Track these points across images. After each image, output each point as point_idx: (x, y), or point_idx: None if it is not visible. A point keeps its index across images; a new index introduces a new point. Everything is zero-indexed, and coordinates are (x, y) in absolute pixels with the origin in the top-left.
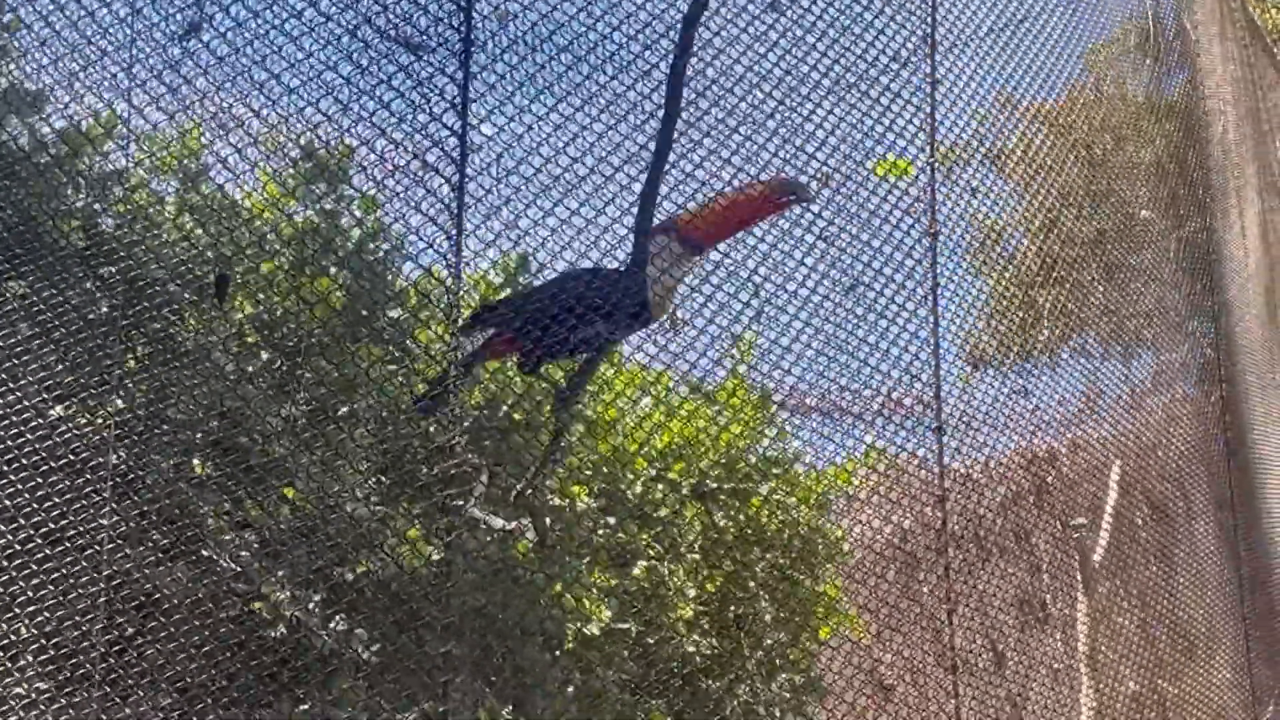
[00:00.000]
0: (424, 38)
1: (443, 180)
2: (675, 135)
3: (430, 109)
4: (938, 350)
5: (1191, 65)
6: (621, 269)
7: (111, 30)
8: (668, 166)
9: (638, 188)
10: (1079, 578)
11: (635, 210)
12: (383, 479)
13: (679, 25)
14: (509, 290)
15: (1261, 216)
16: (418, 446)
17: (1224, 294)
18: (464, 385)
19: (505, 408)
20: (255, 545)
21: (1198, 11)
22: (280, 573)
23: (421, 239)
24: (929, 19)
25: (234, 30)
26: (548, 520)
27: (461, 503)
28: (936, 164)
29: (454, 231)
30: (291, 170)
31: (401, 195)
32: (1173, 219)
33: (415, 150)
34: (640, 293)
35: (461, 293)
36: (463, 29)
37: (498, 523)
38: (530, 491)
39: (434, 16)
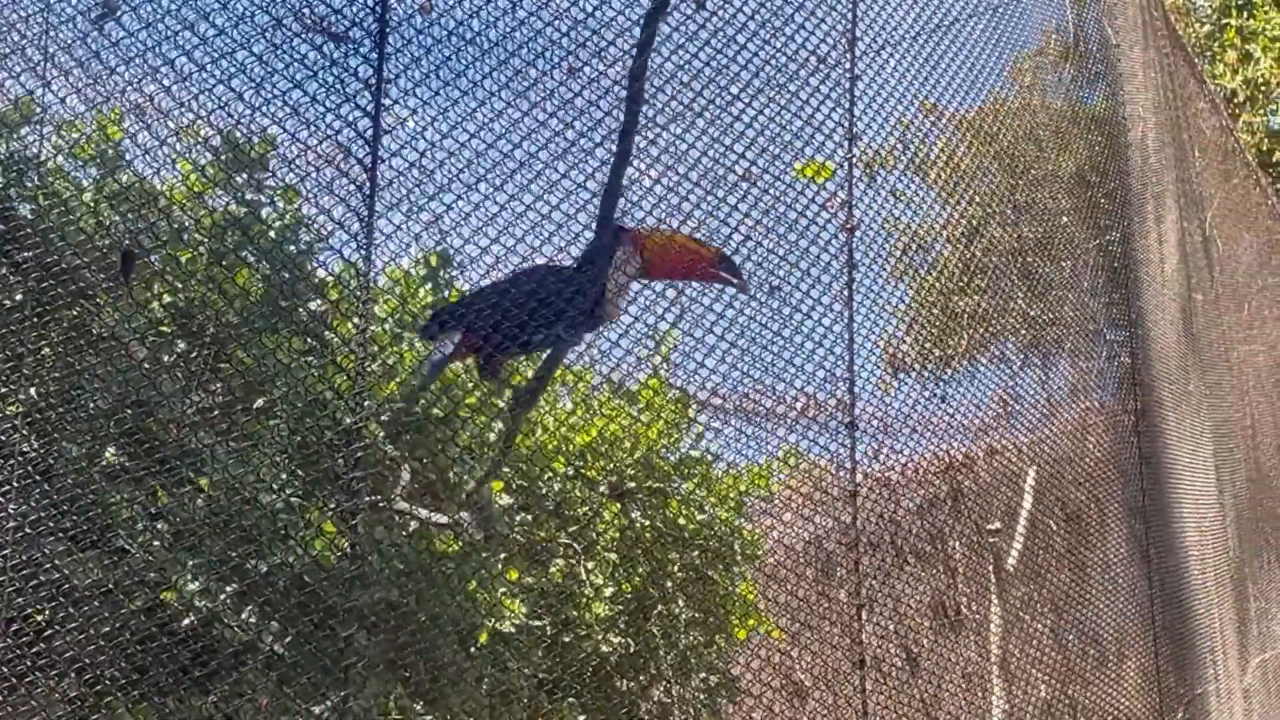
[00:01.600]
0: (339, 21)
1: (357, 170)
2: (608, 131)
3: (344, 96)
4: (852, 345)
5: (1111, 70)
6: (575, 267)
7: (31, 15)
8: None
9: (566, 183)
10: (993, 583)
11: (566, 203)
12: (298, 471)
13: (627, 18)
14: (430, 286)
15: (1179, 225)
16: (333, 439)
17: (1140, 302)
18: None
19: (421, 402)
20: (168, 536)
21: (1119, 18)
22: (192, 564)
23: (342, 227)
24: (850, 18)
25: (151, 14)
26: (478, 517)
27: (377, 497)
28: (858, 167)
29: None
30: (212, 160)
31: (319, 186)
32: (1093, 228)
33: (332, 139)
34: (597, 292)
35: (375, 283)
36: (379, 10)
37: (438, 517)
38: (476, 489)
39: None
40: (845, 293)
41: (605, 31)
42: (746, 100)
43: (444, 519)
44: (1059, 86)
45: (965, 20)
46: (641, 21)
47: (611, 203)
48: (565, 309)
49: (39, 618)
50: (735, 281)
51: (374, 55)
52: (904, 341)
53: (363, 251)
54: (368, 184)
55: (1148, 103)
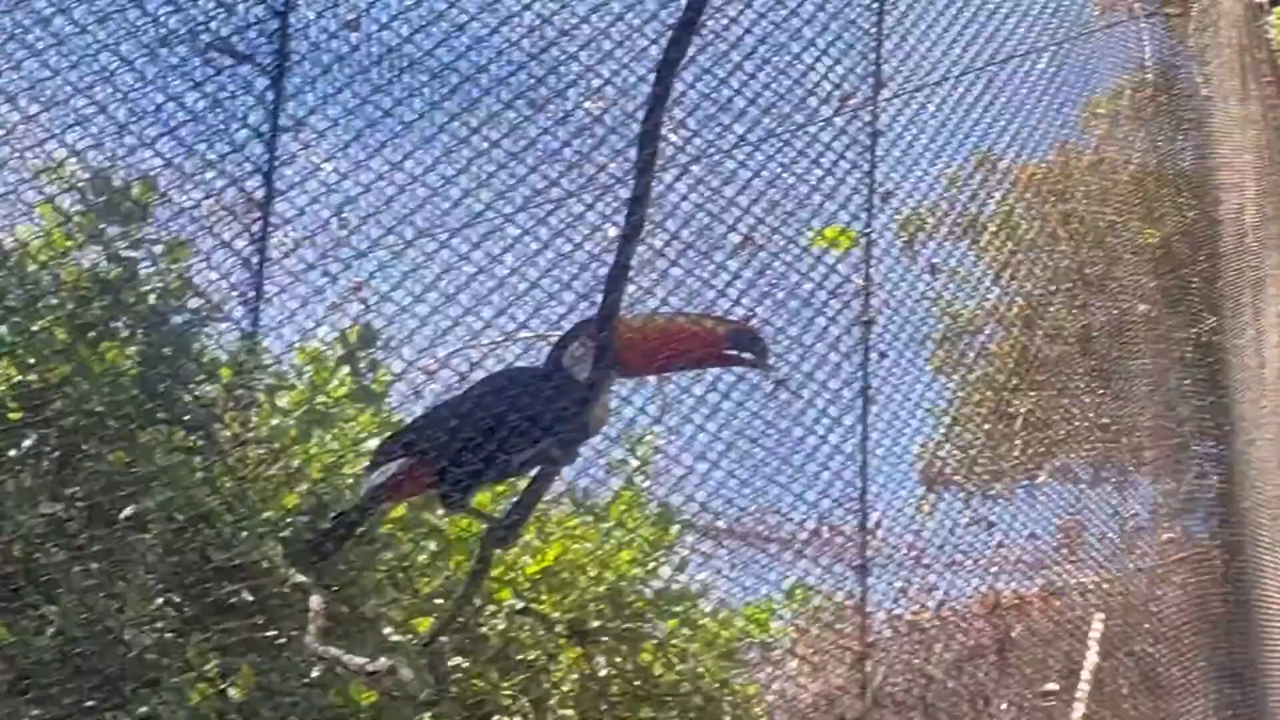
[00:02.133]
0: (236, 46)
1: (248, 221)
2: (567, 172)
3: (249, 134)
4: (865, 469)
5: (1202, 126)
6: (548, 371)
7: None
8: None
9: (522, 247)
10: None
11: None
12: (174, 599)
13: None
14: (349, 368)
15: None
16: (224, 560)
17: (1234, 411)
18: (369, 528)
19: (334, 517)
20: (6, 679)
21: (1211, 61)
22: (36, 712)
23: (237, 292)
24: (874, 52)
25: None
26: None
27: (275, 632)
28: (892, 230)
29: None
30: (80, 207)
31: (211, 243)
32: (1183, 315)
33: (229, 186)
34: (580, 404)
35: (281, 365)
36: (278, 40)
37: (356, 661)
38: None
39: (246, 22)
40: (859, 401)
41: (571, 63)
42: (753, 145)
43: (371, 665)
44: (1142, 139)
45: (1022, 57)
46: (656, 72)
47: (618, 287)
48: (546, 421)
49: None
50: (756, 362)
51: (272, 91)
52: (944, 449)
53: (264, 324)
54: (270, 242)
55: (1248, 167)
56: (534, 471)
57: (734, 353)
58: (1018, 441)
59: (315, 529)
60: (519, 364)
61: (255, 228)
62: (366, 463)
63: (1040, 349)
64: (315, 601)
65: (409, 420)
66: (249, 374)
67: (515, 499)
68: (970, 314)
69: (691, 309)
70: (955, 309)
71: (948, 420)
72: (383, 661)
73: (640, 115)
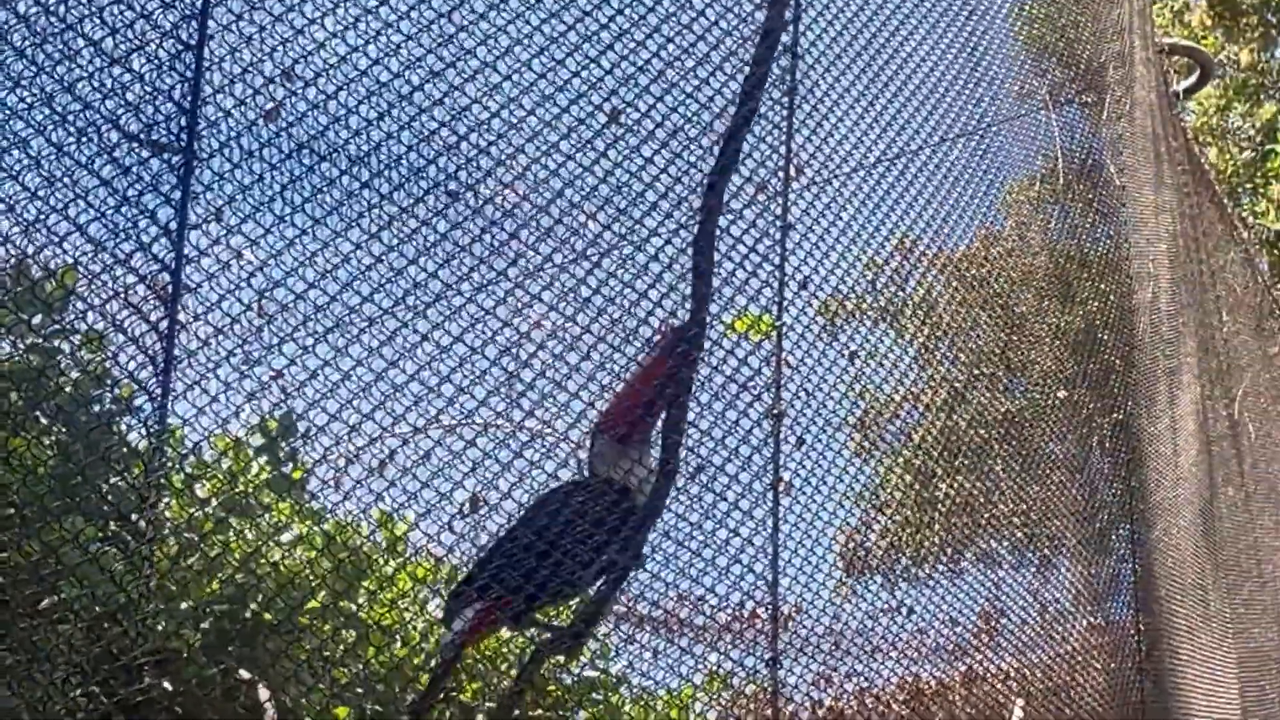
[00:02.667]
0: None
1: (157, 318)
2: (478, 265)
3: (156, 227)
4: (776, 560)
5: (1117, 215)
6: (587, 481)
7: None
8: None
9: (423, 325)
10: None
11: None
12: (95, 694)
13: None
14: (269, 456)
15: (1199, 406)
16: (141, 651)
17: (1149, 500)
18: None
19: (253, 607)
20: None
21: (1125, 151)
22: None
23: (142, 388)
24: (785, 145)
25: None
26: None
27: None
28: (811, 320)
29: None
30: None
31: (124, 335)
32: (1103, 400)
33: (137, 279)
34: (629, 506)
35: (199, 454)
36: (184, 133)
37: None
38: None
39: (153, 120)
40: (770, 495)
41: (493, 149)
42: (665, 236)
43: None
44: (1060, 225)
45: (936, 145)
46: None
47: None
48: (603, 530)
49: None
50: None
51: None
52: (867, 535)
53: (181, 415)
54: (177, 330)
55: (1162, 255)
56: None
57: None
58: (939, 526)
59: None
60: (438, 453)
61: (164, 323)
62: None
63: (962, 433)
64: (263, 693)
65: (475, 563)
66: (164, 466)
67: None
68: (891, 398)
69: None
70: (875, 393)
71: (868, 506)
72: None
73: (553, 209)
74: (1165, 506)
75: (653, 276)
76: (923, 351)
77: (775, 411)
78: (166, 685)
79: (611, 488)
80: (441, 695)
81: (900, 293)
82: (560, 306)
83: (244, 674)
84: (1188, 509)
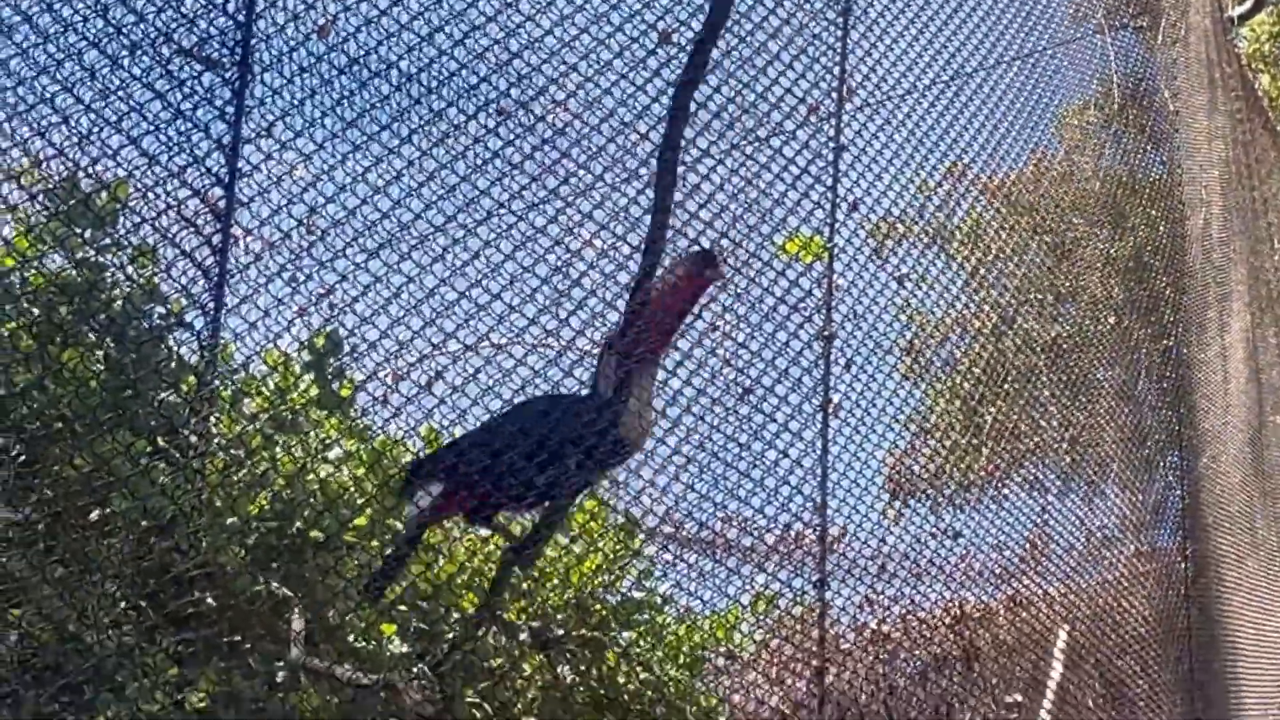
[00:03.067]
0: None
1: (210, 231)
2: (529, 185)
3: (211, 142)
4: (824, 482)
5: (1167, 142)
6: (583, 393)
7: None
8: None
9: (474, 244)
10: None
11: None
12: (138, 604)
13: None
14: (316, 373)
15: (1248, 334)
16: (187, 566)
17: (1198, 427)
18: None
19: (298, 524)
20: None
21: (1180, 76)
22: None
23: (196, 303)
24: (839, 66)
25: None
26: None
27: (238, 639)
28: (861, 244)
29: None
30: (49, 212)
31: (175, 251)
32: (1152, 328)
33: (191, 193)
34: (614, 421)
35: (248, 371)
36: (239, 48)
37: (343, 672)
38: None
39: (208, 33)
40: (819, 417)
41: (545, 68)
42: (717, 157)
43: (364, 679)
44: (1112, 151)
45: (990, 69)
46: (674, 90)
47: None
48: (577, 443)
49: None
50: (714, 273)
51: (235, 101)
52: (914, 459)
53: (230, 331)
54: (232, 246)
55: (1214, 181)
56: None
57: (705, 276)
58: (986, 452)
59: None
60: (487, 371)
61: (216, 238)
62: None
63: (1010, 359)
64: (297, 623)
65: (445, 442)
66: (214, 381)
67: (537, 520)
68: (939, 323)
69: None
70: (923, 318)
71: (915, 430)
72: (385, 674)
73: (605, 128)
74: (1213, 434)
75: (704, 196)
76: (972, 277)
77: (825, 334)
78: (212, 600)
79: (605, 407)
80: (399, 571)
81: (950, 218)
82: (612, 226)
83: (265, 585)
84: (1236, 436)
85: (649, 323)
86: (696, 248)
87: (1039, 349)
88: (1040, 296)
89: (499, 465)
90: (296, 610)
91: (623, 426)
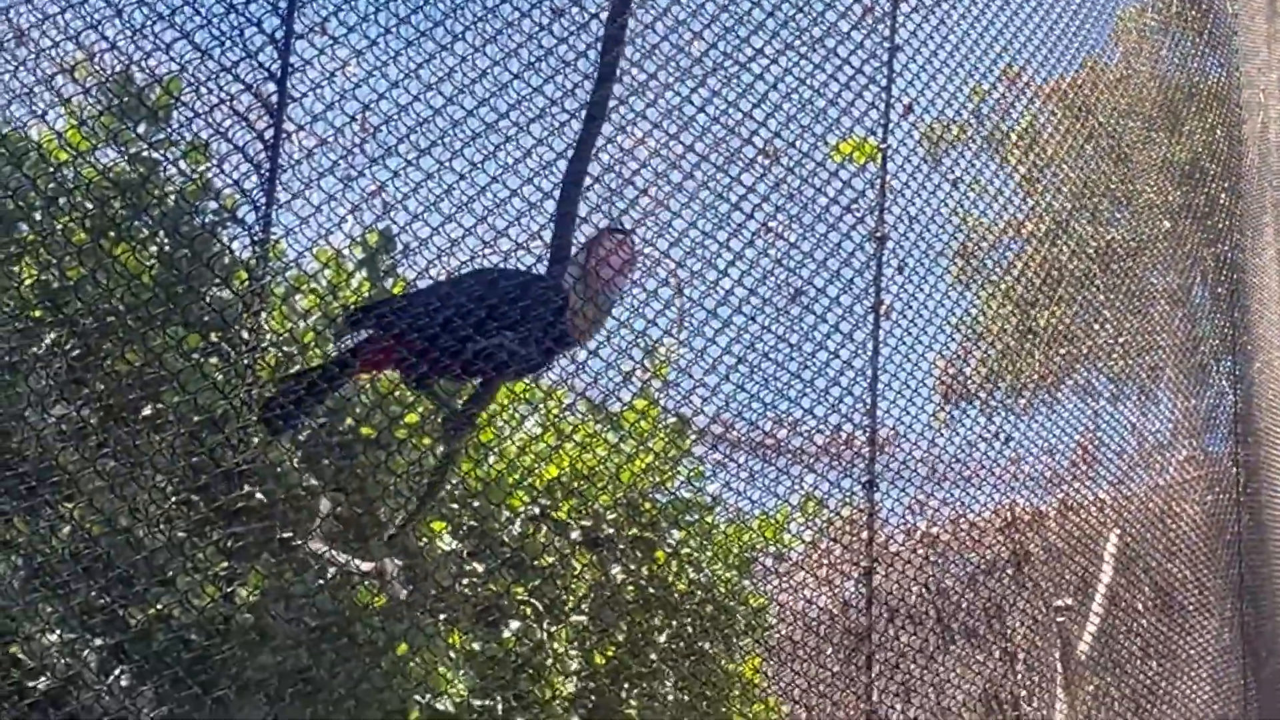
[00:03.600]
0: None
1: (260, 127)
2: (583, 82)
3: (262, 37)
4: (875, 383)
5: (1228, 44)
6: (539, 273)
7: None
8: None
9: (526, 141)
10: (1060, 672)
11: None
12: (190, 498)
13: None
14: (367, 271)
15: None
16: (235, 461)
17: (1251, 332)
18: (326, 397)
19: (349, 421)
20: (21, 573)
21: None
22: (50, 609)
23: (247, 198)
24: None
25: None
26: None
27: (290, 534)
28: (915, 147)
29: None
30: (101, 107)
31: (228, 146)
32: (1207, 232)
33: (244, 90)
34: (559, 304)
35: (300, 268)
36: None
37: (360, 563)
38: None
39: None
40: (871, 320)
41: None
42: (771, 56)
43: (367, 565)
44: (1169, 54)
45: None
46: None
47: (574, 192)
48: (517, 318)
49: None
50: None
51: None
52: (966, 363)
53: (282, 227)
54: (284, 142)
55: (1272, 86)
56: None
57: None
58: (1039, 356)
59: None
60: (540, 269)
61: (269, 133)
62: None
63: (1064, 264)
64: (324, 505)
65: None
66: (265, 277)
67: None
68: (992, 227)
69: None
70: (977, 221)
71: (968, 334)
72: (385, 563)
73: (659, 26)
74: (1267, 339)
75: (758, 96)
76: (1026, 181)
77: (878, 236)
78: (262, 495)
79: (556, 291)
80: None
81: (1005, 121)
82: (664, 125)
83: (311, 481)
84: None
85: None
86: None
87: (1093, 254)
88: (1095, 201)
89: (436, 324)
90: (346, 506)
91: (570, 313)
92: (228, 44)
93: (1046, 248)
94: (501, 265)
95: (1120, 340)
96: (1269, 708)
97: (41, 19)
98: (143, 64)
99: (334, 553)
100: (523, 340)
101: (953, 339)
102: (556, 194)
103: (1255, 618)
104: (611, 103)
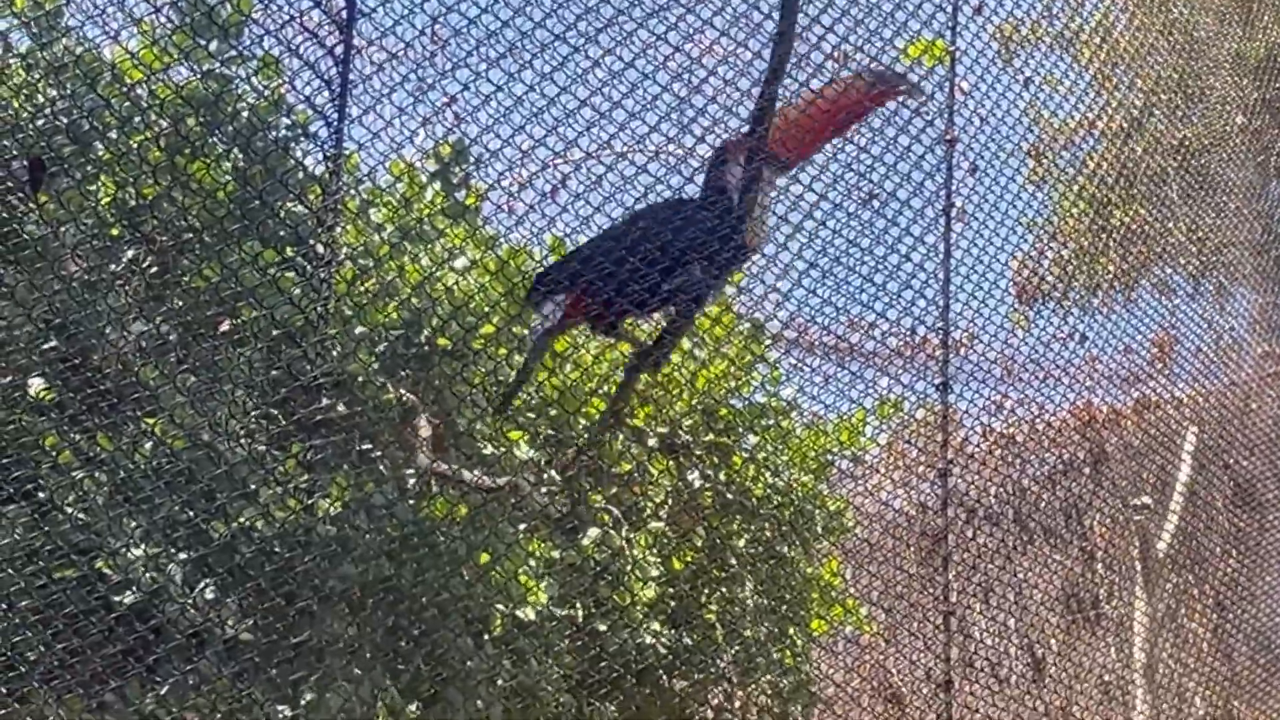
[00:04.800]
0: None
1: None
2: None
3: None
4: (947, 285)
5: None
6: (704, 198)
7: None
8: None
9: (595, 51)
10: (1139, 570)
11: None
12: (271, 412)
13: None
14: (442, 183)
15: None
16: (318, 375)
17: None
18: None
19: (428, 330)
20: (107, 489)
21: None
22: (136, 525)
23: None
24: None
25: None
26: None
27: (369, 446)
28: (985, 47)
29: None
30: (176, 25)
31: (301, 62)
32: None
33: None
34: (736, 225)
35: (373, 181)
36: None
37: (483, 480)
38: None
39: None
40: (943, 221)
41: None
42: None
43: (490, 482)
44: None
45: None
46: None
47: (767, 112)
48: (697, 246)
49: None
50: (903, 90)
51: None
52: (1040, 263)
53: (352, 140)
54: (355, 57)
55: None
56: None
57: (884, 92)
58: (1114, 254)
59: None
60: (610, 178)
61: (339, 49)
62: (529, 302)
63: (1138, 161)
64: (424, 424)
65: (569, 252)
66: (340, 191)
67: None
68: (1066, 126)
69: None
70: (1050, 121)
71: (1043, 234)
72: (515, 480)
73: None
74: None
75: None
76: (1099, 78)
77: (948, 138)
78: (342, 407)
79: (728, 212)
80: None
81: (1077, 18)
82: (732, 32)
83: (397, 393)
84: None
85: (801, 127)
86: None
87: (1168, 150)
88: (1169, 97)
89: (623, 271)
90: (424, 417)
91: (747, 231)
92: None
93: (1120, 145)
94: (668, 199)
95: (1196, 237)
96: None
97: None
98: None
99: (442, 465)
100: (707, 267)
101: (1026, 239)
102: (629, 104)
103: None
104: (678, 9)
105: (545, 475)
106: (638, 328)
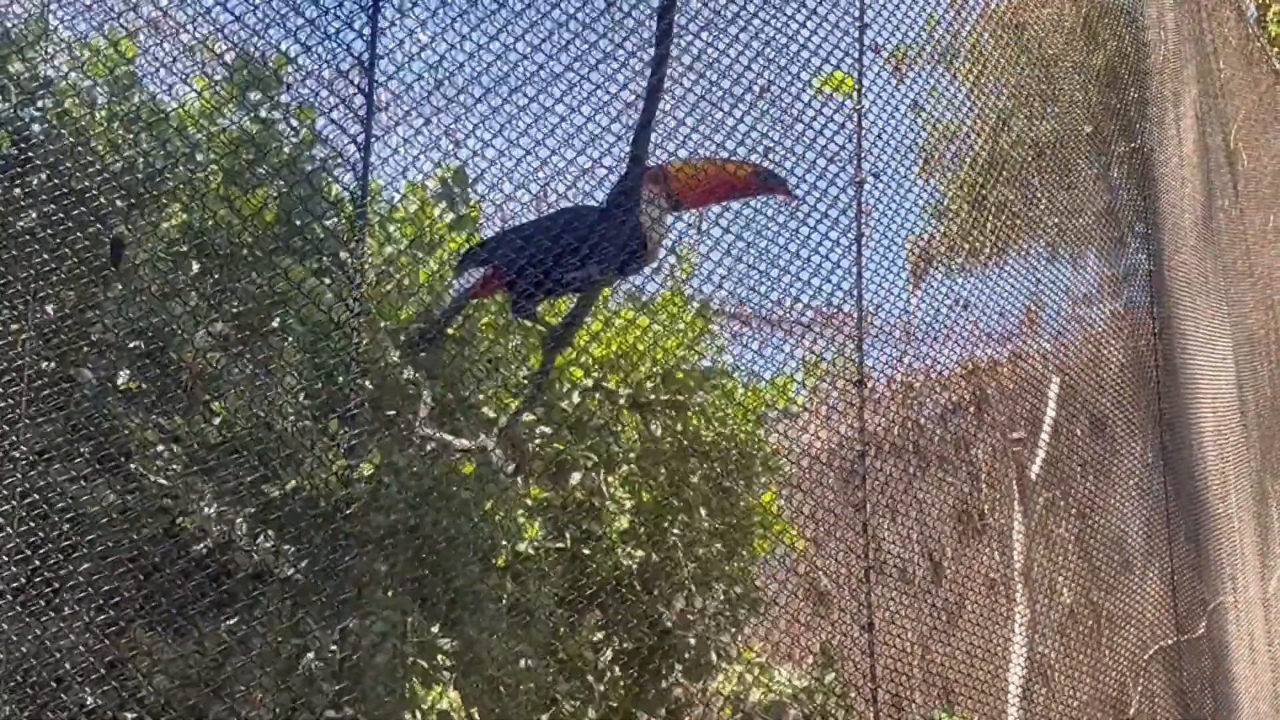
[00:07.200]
0: None
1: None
2: (629, 35)
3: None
4: (860, 259)
5: None
6: (613, 208)
7: None
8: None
9: (598, 95)
10: (1016, 490)
11: (596, 118)
12: (316, 390)
13: None
14: (445, 200)
15: (1198, 130)
16: (348, 362)
17: (1159, 203)
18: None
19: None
20: (183, 460)
21: None
22: (208, 488)
23: (354, 142)
24: None
25: None
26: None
27: (394, 417)
28: (881, 69)
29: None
30: (226, 78)
31: (330, 104)
32: (1120, 124)
33: (340, 54)
34: (639, 236)
35: (394, 202)
36: None
37: (458, 441)
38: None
39: None
40: (853, 213)
41: None
42: (750, 13)
43: (465, 443)
44: None
45: None
46: None
47: (645, 136)
48: (598, 249)
49: (52, 544)
50: (781, 191)
51: None
52: (933, 236)
53: (376, 165)
54: (373, 99)
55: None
56: (585, 289)
57: (766, 186)
58: (989, 229)
59: (423, 324)
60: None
61: (364, 85)
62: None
63: (1006, 153)
64: (427, 395)
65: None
66: (364, 207)
67: (570, 311)
68: (949, 126)
69: (706, 154)
70: (936, 125)
71: (932, 217)
72: (480, 439)
73: None
74: (1173, 207)
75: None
76: (973, 88)
77: (858, 179)
78: (370, 385)
79: (627, 220)
80: (446, 329)
81: (954, 40)
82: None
83: (409, 374)
84: (1189, 209)
85: (701, 183)
86: (771, 171)
87: (1029, 144)
88: (1029, 100)
89: (524, 257)
90: (431, 390)
91: (647, 239)
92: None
93: (991, 140)
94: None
95: (1054, 212)
96: (1188, 514)
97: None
98: (258, 37)
99: (441, 434)
100: (610, 266)
101: (919, 223)
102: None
103: (1172, 440)
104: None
105: (536, 431)
106: (549, 313)
